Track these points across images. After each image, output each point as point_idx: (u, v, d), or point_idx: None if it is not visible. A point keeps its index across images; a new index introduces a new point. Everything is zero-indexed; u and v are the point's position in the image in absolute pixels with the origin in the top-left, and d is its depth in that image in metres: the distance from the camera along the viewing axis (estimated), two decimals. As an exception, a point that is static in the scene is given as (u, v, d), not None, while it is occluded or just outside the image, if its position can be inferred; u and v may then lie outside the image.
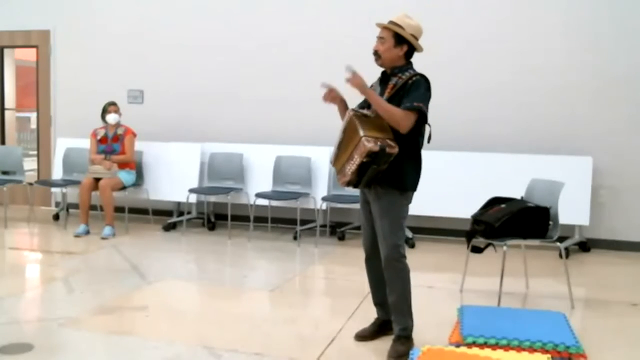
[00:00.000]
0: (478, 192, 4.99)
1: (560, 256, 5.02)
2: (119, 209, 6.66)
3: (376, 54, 3.29)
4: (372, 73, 3.38)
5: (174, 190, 6.85)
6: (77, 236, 6.28)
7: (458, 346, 3.22)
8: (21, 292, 4.54)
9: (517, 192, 4.53)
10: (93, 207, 6.71)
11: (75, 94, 7.70)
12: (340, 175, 3.24)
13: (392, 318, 3.39)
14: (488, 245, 4.29)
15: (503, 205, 4.27)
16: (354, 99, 3.38)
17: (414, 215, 5.79)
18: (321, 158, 6.44)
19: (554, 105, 6.11)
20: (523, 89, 6.18)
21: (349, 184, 3.23)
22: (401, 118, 3.12)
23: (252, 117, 7.06)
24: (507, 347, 3.17)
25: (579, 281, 4.82)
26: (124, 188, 6.58)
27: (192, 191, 6.58)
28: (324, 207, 6.38)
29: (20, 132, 11.40)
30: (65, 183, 6.96)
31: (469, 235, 4.32)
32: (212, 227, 6.84)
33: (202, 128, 7.19)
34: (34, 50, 7.94)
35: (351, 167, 3.12)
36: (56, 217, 7.30)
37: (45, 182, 7.20)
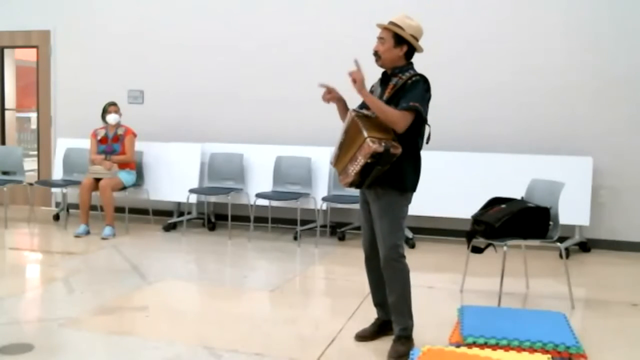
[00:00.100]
0: (478, 192, 4.98)
1: (560, 256, 5.02)
2: (119, 209, 6.66)
3: (376, 54, 3.29)
4: (372, 73, 3.38)
5: (174, 190, 6.85)
6: (77, 236, 6.28)
7: (458, 346, 3.22)
8: (21, 292, 4.54)
9: (517, 192, 4.53)
10: (93, 207, 6.72)
11: (75, 94, 7.70)
12: (343, 176, 3.24)
13: (392, 318, 3.39)
14: (488, 245, 4.29)
15: (503, 205, 4.27)
16: (354, 99, 3.38)
17: (414, 215, 5.83)
18: (321, 158, 6.44)
19: (554, 105, 6.11)
20: (523, 89, 6.18)
21: (351, 185, 3.23)
22: (397, 118, 3.12)
23: (252, 117, 7.06)
24: (507, 347, 3.17)
25: (579, 281, 4.83)
26: (124, 188, 6.58)
27: (192, 191, 6.58)
28: (324, 207, 6.38)
29: (20, 132, 11.39)
30: (65, 183, 6.96)
31: (469, 235, 4.32)
32: (212, 227, 6.84)
33: (202, 128, 7.19)
34: (34, 50, 7.94)
35: (354, 168, 3.12)
36: (56, 217, 7.30)
37: (45, 182, 7.20)
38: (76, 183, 6.78)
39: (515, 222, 4.09)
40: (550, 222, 4.16)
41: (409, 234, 6.08)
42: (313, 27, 6.78)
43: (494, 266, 4.39)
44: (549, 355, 3.02)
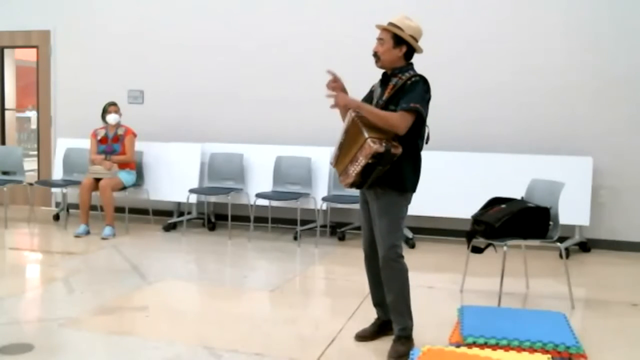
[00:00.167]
0: (478, 192, 4.98)
1: (560, 256, 5.03)
2: (119, 209, 6.66)
3: (375, 55, 3.28)
4: (372, 73, 3.38)
5: (174, 190, 6.85)
6: (77, 236, 6.28)
7: (458, 346, 3.22)
8: (21, 292, 4.54)
9: (517, 192, 4.53)
10: (93, 207, 6.72)
11: (75, 94, 7.70)
12: (343, 176, 3.23)
13: (391, 318, 3.39)
14: (488, 245, 4.29)
15: (503, 205, 4.27)
16: (358, 91, 3.38)
17: (414, 215, 5.84)
18: (321, 158, 6.44)
19: (554, 105, 6.11)
20: (523, 89, 6.18)
21: (352, 185, 3.23)
22: (397, 121, 3.11)
23: (252, 117, 7.06)
24: (507, 347, 3.17)
25: (579, 281, 4.83)
26: (124, 188, 6.58)
27: (192, 191, 6.58)
28: (324, 207, 6.38)
29: (20, 132, 11.40)
30: (65, 183, 6.96)
31: (469, 235, 4.32)
32: (212, 227, 6.84)
33: (202, 128, 7.19)
34: (34, 50, 7.94)
35: (355, 169, 3.12)
36: (56, 217, 7.30)
37: (45, 182, 7.20)
38: (76, 183, 6.78)
39: (515, 222, 4.09)
40: (550, 222, 4.16)
41: (409, 234, 6.08)
42: (313, 27, 6.78)
43: (494, 266, 4.39)
44: (549, 355, 3.02)
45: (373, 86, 3.43)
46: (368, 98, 3.39)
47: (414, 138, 3.22)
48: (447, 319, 3.77)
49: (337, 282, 4.94)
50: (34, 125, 9.90)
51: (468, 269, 4.58)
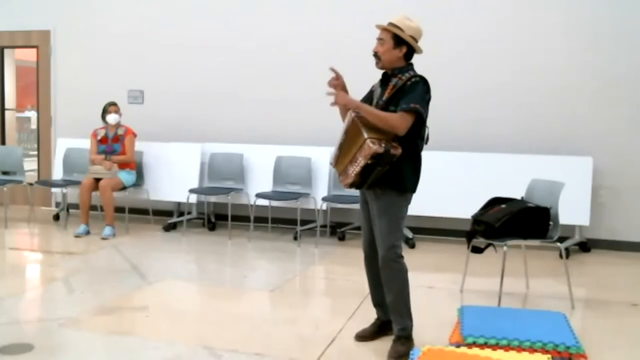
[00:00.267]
0: (478, 192, 4.98)
1: (560, 256, 5.03)
2: (119, 209, 6.66)
3: (375, 55, 3.28)
4: (372, 73, 3.38)
5: (174, 190, 6.85)
6: (77, 236, 6.28)
7: (458, 346, 3.22)
8: (21, 292, 4.54)
9: (517, 192, 4.53)
10: (93, 207, 6.72)
11: (75, 94, 7.70)
12: (343, 176, 3.23)
13: (391, 318, 3.39)
14: (488, 245, 4.29)
15: (503, 205, 4.27)
16: (358, 92, 3.38)
17: (414, 215, 5.84)
18: (321, 158, 6.44)
19: (554, 105, 6.11)
20: (523, 89, 6.18)
21: (351, 186, 3.23)
22: (397, 122, 3.11)
23: (252, 117, 7.06)
24: (507, 347, 3.17)
25: (579, 281, 4.83)
26: (124, 188, 6.58)
27: (192, 191, 6.58)
28: (324, 207, 6.38)
29: (20, 132, 11.40)
30: (65, 183, 6.96)
31: (469, 235, 4.32)
32: (212, 227, 6.84)
33: (202, 128, 7.19)
34: (34, 50, 7.94)
35: (354, 169, 3.12)
36: (56, 217, 7.30)
37: (45, 182, 7.20)
38: (76, 183, 6.78)
39: (515, 222, 4.09)
40: (550, 222, 4.16)
41: (409, 234, 6.08)
42: (313, 27, 6.78)
43: (494, 266, 4.39)
44: (549, 355, 3.02)
45: (373, 86, 3.43)
46: (368, 98, 3.39)
47: (414, 138, 3.22)
48: (447, 319, 3.77)
49: (337, 282, 4.94)
50: (34, 125, 9.91)
51: (468, 269, 4.58)
